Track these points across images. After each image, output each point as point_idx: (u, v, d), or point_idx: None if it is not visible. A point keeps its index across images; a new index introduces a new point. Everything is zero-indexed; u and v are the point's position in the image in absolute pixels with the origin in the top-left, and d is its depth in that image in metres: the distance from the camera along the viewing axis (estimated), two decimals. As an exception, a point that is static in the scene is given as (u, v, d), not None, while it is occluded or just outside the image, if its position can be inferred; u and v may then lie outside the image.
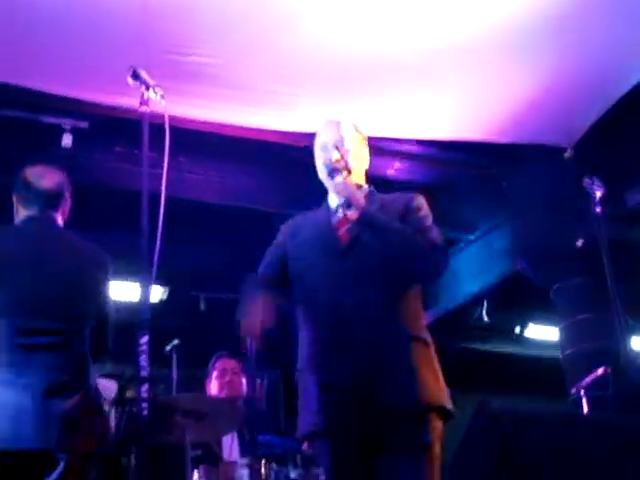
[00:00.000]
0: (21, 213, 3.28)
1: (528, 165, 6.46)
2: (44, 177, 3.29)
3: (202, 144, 5.82)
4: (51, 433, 2.86)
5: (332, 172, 3.14)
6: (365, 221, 3.05)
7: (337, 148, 3.16)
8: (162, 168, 2.88)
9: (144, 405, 2.50)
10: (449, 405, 2.98)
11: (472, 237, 7.48)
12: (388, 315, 2.98)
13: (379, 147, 6.24)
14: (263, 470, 4.32)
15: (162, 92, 2.82)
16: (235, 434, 4.91)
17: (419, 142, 6.21)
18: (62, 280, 3.12)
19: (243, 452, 4.96)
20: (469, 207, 7.20)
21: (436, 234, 3.08)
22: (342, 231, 3.16)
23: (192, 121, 5.19)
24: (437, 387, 2.99)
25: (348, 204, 3.09)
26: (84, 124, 5.56)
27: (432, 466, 2.82)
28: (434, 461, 2.83)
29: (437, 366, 3.03)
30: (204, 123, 5.41)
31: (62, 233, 3.32)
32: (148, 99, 2.80)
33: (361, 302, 2.97)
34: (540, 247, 6.68)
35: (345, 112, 5.51)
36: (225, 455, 4.89)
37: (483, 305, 8.31)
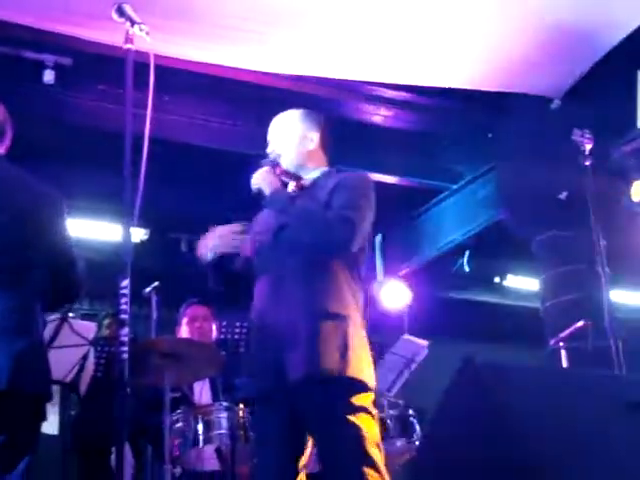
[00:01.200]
0: None
1: (515, 115, 6.43)
2: None
3: (186, 84, 5.75)
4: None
5: (260, 164, 3.36)
6: (270, 203, 3.28)
7: (269, 145, 3.42)
8: (146, 108, 2.83)
9: (124, 349, 2.47)
10: (359, 376, 3.05)
11: (456, 186, 7.46)
12: (300, 291, 3.14)
13: (366, 93, 6.21)
14: (241, 413, 4.37)
15: (147, 29, 2.75)
16: (206, 378, 4.93)
17: (406, 89, 6.16)
18: (16, 217, 3.02)
19: (215, 396, 4.99)
20: (454, 156, 7.18)
21: (349, 213, 3.14)
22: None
23: (177, 60, 5.10)
24: (343, 359, 3.04)
25: (257, 189, 3.28)
26: (67, 61, 5.46)
27: (349, 437, 2.95)
28: (351, 431, 2.95)
29: (351, 340, 3.09)
30: (189, 62, 5.33)
31: (8, 168, 3.23)
32: (133, 36, 2.73)
33: (280, 279, 3.18)
34: (524, 198, 6.68)
35: (331, 54, 5.47)
36: (196, 399, 4.92)
37: (465, 254, 8.33)
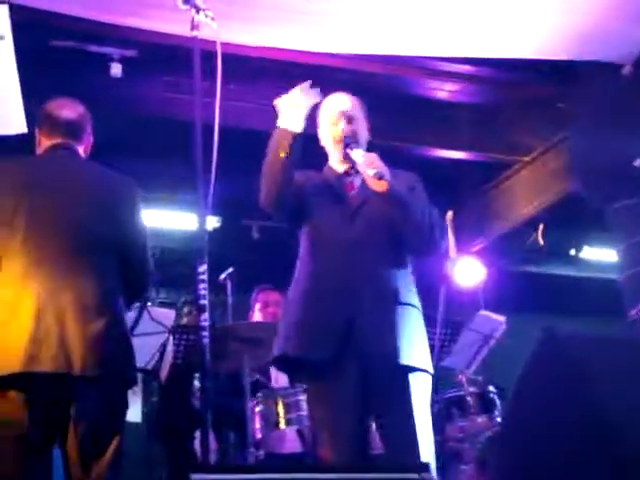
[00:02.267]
0: (44, 144, 3.25)
1: (585, 84, 6.29)
2: (64, 107, 3.25)
3: (251, 71, 5.75)
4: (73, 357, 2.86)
5: (350, 143, 3.26)
6: (393, 196, 3.15)
7: (350, 122, 3.32)
8: (213, 96, 2.84)
9: (204, 333, 2.50)
10: (429, 368, 3.19)
11: (527, 159, 7.34)
12: (385, 280, 3.17)
13: (431, 68, 6.13)
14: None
15: (212, 15, 2.76)
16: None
17: (472, 62, 6.07)
18: (93, 206, 3.11)
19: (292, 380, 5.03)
20: (524, 128, 7.06)
21: (436, 216, 3.25)
22: (352, 193, 3.33)
23: (240, 47, 5.08)
24: (417, 349, 3.14)
25: (380, 176, 3.11)
26: (132, 53, 5.52)
27: (420, 427, 3.08)
28: (423, 423, 3.09)
29: (424, 332, 3.23)
30: (251, 48, 5.32)
31: (85, 161, 3.31)
32: (199, 23, 2.74)
33: (360, 263, 3.16)
34: (597, 167, 6.53)
35: (394, 31, 5.42)
36: (272, 383, 4.96)
37: (538, 227, 8.20)
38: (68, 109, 3.25)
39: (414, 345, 3.12)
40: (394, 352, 3.06)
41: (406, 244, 3.22)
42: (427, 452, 3.02)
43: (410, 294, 3.21)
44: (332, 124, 3.36)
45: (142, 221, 3.24)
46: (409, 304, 3.18)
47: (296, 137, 3.15)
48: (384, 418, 3.14)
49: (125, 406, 3.07)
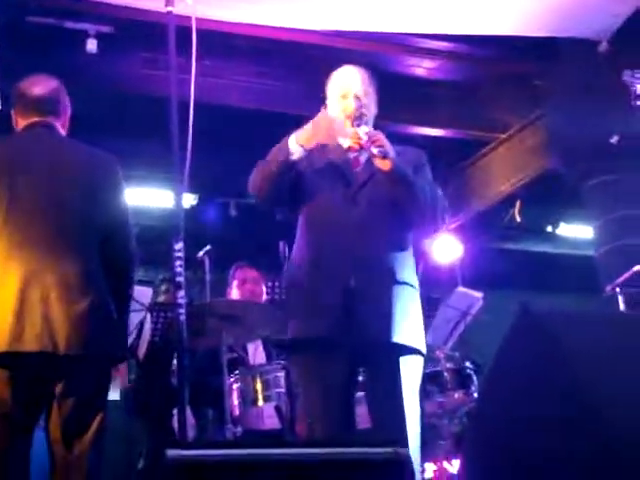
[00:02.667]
0: (20, 124, 3.20)
1: (561, 60, 6.31)
2: (36, 84, 3.18)
3: (225, 47, 5.72)
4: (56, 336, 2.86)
5: (358, 120, 3.21)
6: (397, 175, 3.13)
7: (358, 98, 3.26)
8: (189, 73, 2.83)
9: (181, 311, 2.50)
10: (422, 348, 3.19)
11: (504, 136, 7.36)
12: (382, 257, 3.15)
13: (409, 45, 6.13)
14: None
15: (188, -10, 2.74)
16: (259, 340, 4.97)
17: (449, 39, 6.07)
18: (75, 185, 3.07)
19: (269, 356, 5.04)
20: (501, 105, 7.08)
21: (440, 193, 3.26)
22: (357, 170, 3.30)
23: (214, 22, 5.05)
24: (410, 328, 3.15)
25: (384, 154, 3.09)
26: (108, 29, 5.48)
27: (409, 407, 3.09)
28: (412, 403, 3.11)
29: (420, 312, 3.24)
30: (226, 24, 5.28)
31: (66, 139, 3.26)
32: (174, -3, 2.72)
33: (360, 243, 3.14)
34: (574, 144, 6.57)
35: (372, 7, 5.40)
36: (250, 360, 4.97)
37: (515, 204, 8.24)
38: (40, 85, 3.19)
39: (408, 324, 3.13)
40: (387, 330, 3.07)
41: (409, 222, 3.22)
42: (413, 430, 3.05)
43: (408, 273, 3.20)
44: (342, 97, 3.31)
45: (125, 200, 3.20)
46: (406, 283, 3.17)
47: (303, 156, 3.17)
48: (372, 394, 3.16)
49: (108, 384, 3.08)
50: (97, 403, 2.98)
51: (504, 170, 7.47)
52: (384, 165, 3.10)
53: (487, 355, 2.76)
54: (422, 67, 6.37)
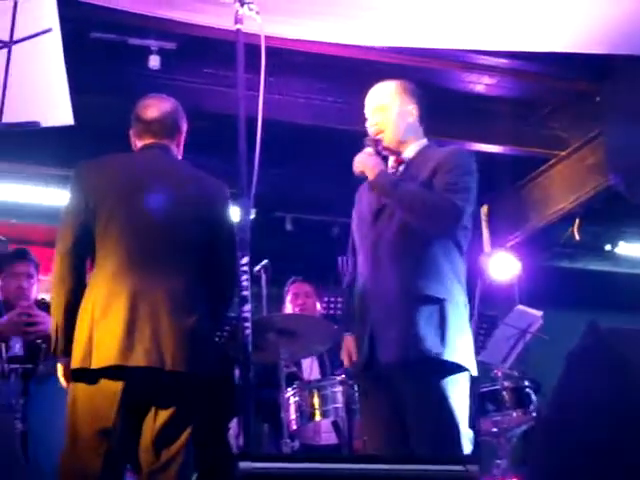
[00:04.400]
0: (137, 144, 3.28)
1: (621, 78, 6.24)
2: (151, 107, 3.25)
3: (287, 64, 5.76)
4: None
5: (366, 142, 3.32)
6: (378, 190, 3.23)
7: (372, 114, 3.36)
8: (252, 89, 2.86)
9: (247, 324, 2.52)
10: (462, 362, 3.12)
11: (564, 153, 7.29)
12: (398, 274, 3.15)
13: (468, 61, 6.11)
14: (356, 387, 4.40)
15: (257, 9, 2.77)
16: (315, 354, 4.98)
17: (509, 56, 6.04)
18: (187, 206, 3.14)
19: (323, 371, 5.04)
20: (560, 122, 7.03)
21: (445, 197, 3.15)
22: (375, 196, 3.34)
23: (281, 39, 5.06)
24: (441, 342, 3.09)
25: (361, 174, 3.25)
26: (171, 45, 5.55)
27: (442, 419, 3.05)
28: (446, 414, 3.04)
29: (448, 322, 3.12)
30: (289, 41, 5.31)
31: (179, 161, 3.32)
32: (242, 16, 2.75)
33: (378, 258, 3.20)
34: (635, 162, 6.48)
35: (431, 25, 5.40)
36: (305, 375, 4.98)
37: (574, 222, 8.14)
38: (154, 108, 3.24)
39: (434, 338, 3.08)
40: (409, 348, 3.06)
41: (424, 232, 3.18)
42: (459, 448, 3.01)
43: (434, 285, 3.14)
44: (367, 115, 3.41)
45: (232, 224, 3.25)
46: (429, 296, 3.12)
47: None
48: (407, 414, 3.10)
49: (202, 401, 3.14)
50: (190, 418, 3.04)
51: (563, 188, 7.39)
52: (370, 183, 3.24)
53: (545, 374, 2.73)
54: (481, 83, 6.35)
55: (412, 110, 3.37)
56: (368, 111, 3.38)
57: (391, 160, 3.39)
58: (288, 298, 5.41)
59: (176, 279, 3.00)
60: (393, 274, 3.15)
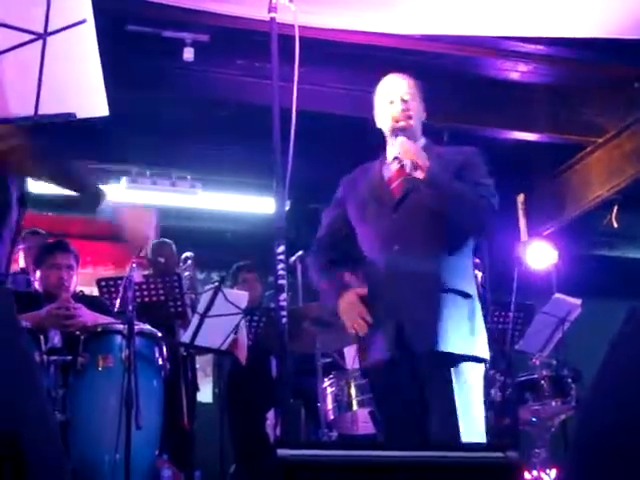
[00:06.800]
0: None
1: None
2: None
3: (322, 54, 5.74)
4: None
5: (395, 131, 3.31)
6: (431, 182, 3.16)
7: (405, 101, 3.34)
8: (287, 80, 2.86)
9: (283, 313, 2.52)
10: (479, 354, 3.18)
11: (601, 140, 7.21)
12: (428, 268, 3.17)
13: (503, 48, 6.06)
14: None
15: (291, -3, 2.76)
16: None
17: (544, 42, 5.98)
18: None
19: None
20: (598, 109, 6.94)
21: (488, 192, 3.23)
22: (395, 184, 3.33)
23: (315, 29, 5.03)
24: (471, 338, 3.16)
25: (415, 166, 3.16)
26: (205, 37, 5.56)
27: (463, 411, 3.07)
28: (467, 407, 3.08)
29: (476, 319, 3.21)
30: (323, 31, 5.29)
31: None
32: (276, 5, 2.75)
33: (405, 255, 3.19)
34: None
35: (466, 12, 5.36)
36: (347, 364, 4.98)
37: (612, 210, 8.05)
38: None
39: (457, 331, 3.12)
40: (436, 343, 3.09)
41: (452, 226, 3.21)
42: (472, 439, 3.03)
43: (457, 280, 3.20)
44: (390, 103, 3.37)
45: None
46: (453, 290, 3.17)
47: None
48: (429, 407, 3.12)
49: None
50: None
51: (601, 175, 7.31)
52: (418, 174, 3.15)
53: (584, 362, 2.71)
54: (517, 71, 6.29)
55: (423, 110, 3.43)
56: (395, 96, 3.36)
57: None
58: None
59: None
60: (424, 266, 3.17)
